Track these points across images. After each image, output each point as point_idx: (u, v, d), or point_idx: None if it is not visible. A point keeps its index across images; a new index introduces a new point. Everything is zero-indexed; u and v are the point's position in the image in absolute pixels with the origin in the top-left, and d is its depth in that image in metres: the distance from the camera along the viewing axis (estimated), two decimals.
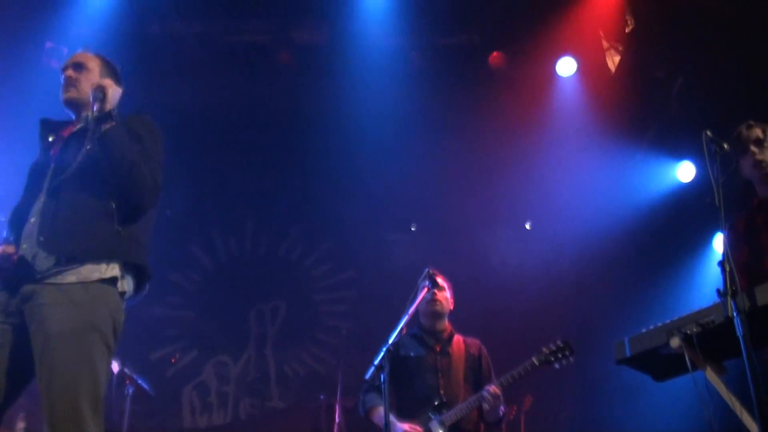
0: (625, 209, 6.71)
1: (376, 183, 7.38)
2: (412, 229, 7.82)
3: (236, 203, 7.90)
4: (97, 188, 2.97)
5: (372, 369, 3.83)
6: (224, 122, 7.34)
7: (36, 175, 3.10)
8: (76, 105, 3.18)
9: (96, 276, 2.87)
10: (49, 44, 6.50)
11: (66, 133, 3.18)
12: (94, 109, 2.98)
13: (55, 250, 2.86)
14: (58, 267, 2.83)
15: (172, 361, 7.56)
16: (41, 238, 2.86)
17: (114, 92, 3.12)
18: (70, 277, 2.83)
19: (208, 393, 7.54)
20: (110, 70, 3.31)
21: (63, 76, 3.20)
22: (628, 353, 2.99)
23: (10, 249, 2.90)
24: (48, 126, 3.27)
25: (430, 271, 4.45)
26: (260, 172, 7.68)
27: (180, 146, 6.94)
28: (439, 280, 4.60)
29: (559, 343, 4.37)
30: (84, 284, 2.84)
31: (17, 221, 3.04)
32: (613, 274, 6.96)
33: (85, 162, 2.99)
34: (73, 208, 2.93)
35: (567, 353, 4.35)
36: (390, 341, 3.80)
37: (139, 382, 5.70)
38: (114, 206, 2.95)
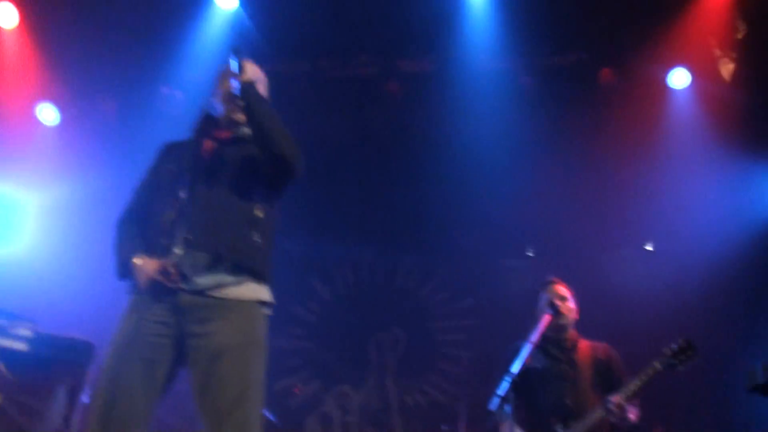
0: (750, 228, 6.37)
1: (490, 209, 7.30)
2: (528, 254, 7.69)
3: (352, 234, 8.00)
4: (250, 193, 2.92)
5: (496, 400, 3.76)
6: (337, 156, 7.46)
7: (175, 174, 2.97)
8: (236, 124, 3.10)
9: (254, 296, 2.85)
10: (164, 90, 6.79)
11: (220, 135, 3.09)
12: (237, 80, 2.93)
13: (217, 263, 2.79)
14: (221, 282, 2.79)
15: (295, 391, 7.69)
16: (200, 249, 2.79)
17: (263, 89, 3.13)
18: (233, 293, 2.80)
19: (331, 423, 7.62)
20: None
21: (228, 85, 3.02)
22: (761, 380, 2.84)
23: (167, 264, 2.77)
24: (172, 149, 3.13)
25: (552, 300, 4.37)
26: (374, 202, 7.75)
27: (296, 182, 7.11)
28: (562, 289, 4.50)
29: (680, 343, 4.11)
30: (245, 302, 2.82)
31: (140, 223, 2.97)
32: (739, 297, 6.58)
33: (239, 163, 2.95)
34: (228, 216, 2.86)
35: (690, 354, 4.08)
36: (514, 371, 3.73)
37: (264, 413, 5.80)
38: (257, 212, 2.89)
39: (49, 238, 7.02)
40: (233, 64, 2.95)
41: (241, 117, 3.02)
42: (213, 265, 2.79)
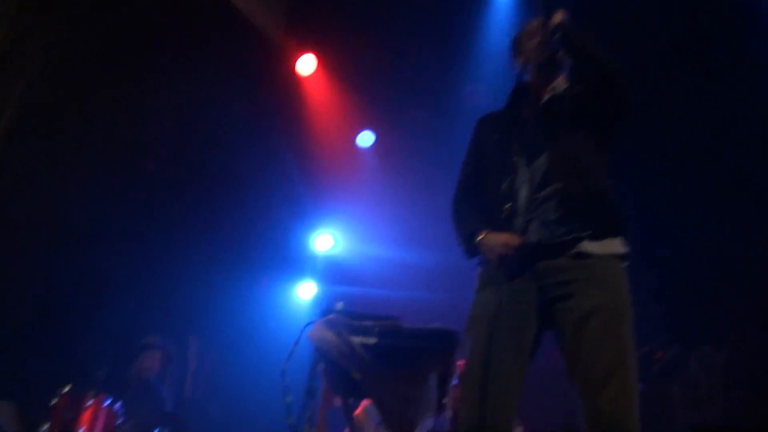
0: None
1: None
2: None
3: (687, 191, 7.53)
4: (583, 143, 2.81)
5: None
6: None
7: (504, 143, 2.93)
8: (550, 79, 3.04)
9: (612, 250, 2.71)
10: (468, 87, 7.00)
11: (539, 97, 3.02)
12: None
13: (574, 222, 2.69)
14: (576, 237, 2.68)
15: (656, 357, 7.47)
16: (548, 207, 2.71)
17: None
18: (590, 247, 2.68)
19: (697, 386, 7.23)
20: None
21: (534, 41, 2.98)
22: None
23: (516, 240, 2.71)
24: (490, 121, 3.13)
25: None
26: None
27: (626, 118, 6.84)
28: None
29: None
30: (606, 258, 2.68)
31: (477, 198, 2.94)
32: None
33: (565, 116, 2.85)
34: (568, 169, 2.75)
35: None
36: None
37: None
38: (596, 159, 2.75)
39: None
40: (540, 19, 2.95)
41: (559, 59, 2.96)
42: (564, 220, 2.70)
